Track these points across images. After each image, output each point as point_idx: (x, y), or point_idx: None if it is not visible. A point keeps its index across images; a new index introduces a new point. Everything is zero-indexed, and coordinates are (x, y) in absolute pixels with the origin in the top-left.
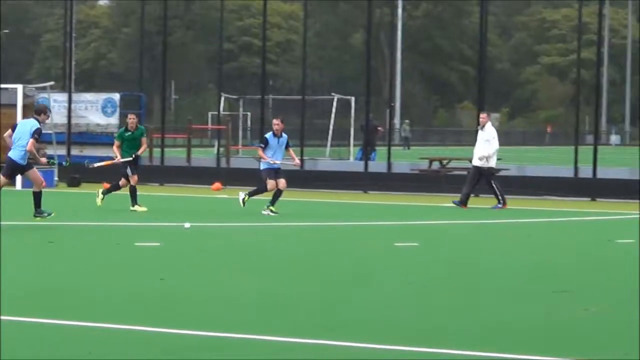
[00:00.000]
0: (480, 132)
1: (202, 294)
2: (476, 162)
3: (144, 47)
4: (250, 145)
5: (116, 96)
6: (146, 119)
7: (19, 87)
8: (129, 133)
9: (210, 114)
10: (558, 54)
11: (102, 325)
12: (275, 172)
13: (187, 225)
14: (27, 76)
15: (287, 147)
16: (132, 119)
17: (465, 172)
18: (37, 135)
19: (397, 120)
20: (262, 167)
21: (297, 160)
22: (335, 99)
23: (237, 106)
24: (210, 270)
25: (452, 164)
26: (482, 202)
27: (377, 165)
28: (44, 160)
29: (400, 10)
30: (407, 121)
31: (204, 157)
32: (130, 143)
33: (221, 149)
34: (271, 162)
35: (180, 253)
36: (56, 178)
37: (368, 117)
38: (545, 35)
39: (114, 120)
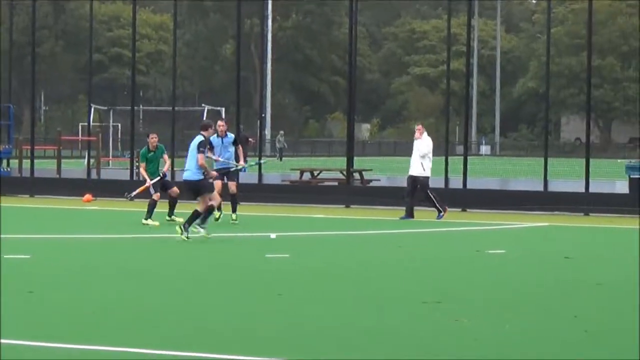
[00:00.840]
0: (415, 142)
1: (68, 305)
2: (413, 172)
3: (13, 58)
4: (120, 156)
5: None
6: (15, 130)
7: None
8: (152, 153)
9: (80, 125)
10: (428, 64)
11: None
12: (223, 177)
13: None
14: None
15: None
16: (153, 138)
17: (336, 183)
18: None
19: (267, 131)
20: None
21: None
22: (206, 110)
23: (107, 117)
24: (80, 283)
25: (323, 175)
26: (352, 213)
27: (248, 176)
28: None
29: (270, 21)
30: (282, 132)
31: (74, 168)
32: (153, 163)
33: (92, 160)
34: (215, 158)
35: (49, 266)
36: None
37: (239, 128)
38: (415, 46)
39: None
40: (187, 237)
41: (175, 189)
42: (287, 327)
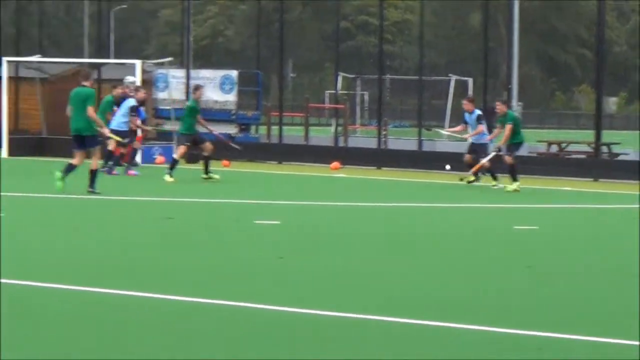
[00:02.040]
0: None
1: (317, 271)
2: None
3: (261, 25)
4: (367, 124)
5: (234, 73)
6: (264, 97)
7: (137, 63)
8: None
9: (327, 92)
10: None
11: (213, 302)
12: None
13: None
14: (144, 52)
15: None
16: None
17: (583, 156)
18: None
19: (514, 103)
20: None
21: None
22: (453, 80)
23: (354, 85)
24: (330, 249)
25: (570, 147)
26: (600, 187)
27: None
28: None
29: None
30: (520, 103)
31: (321, 135)
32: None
33: (339, 128)
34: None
35: (299, 231)
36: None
37: (486, 99)
38: None
39: (231, 97)
40: None
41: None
42: (540, 300)
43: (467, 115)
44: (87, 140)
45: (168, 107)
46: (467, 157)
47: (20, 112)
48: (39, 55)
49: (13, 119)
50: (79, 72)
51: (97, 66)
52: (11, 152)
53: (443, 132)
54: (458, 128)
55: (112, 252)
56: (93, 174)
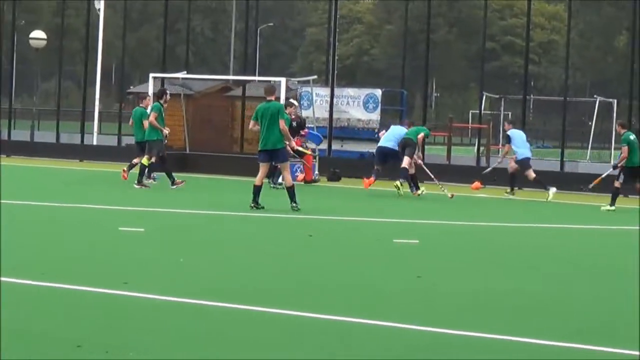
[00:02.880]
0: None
1: (457, 290)
2: None
3: (407, 44)
4: None
5: (378, 92)
6: (407, 115)
7: (282, 80)
8: None
9: (471, 112)
10: None
11: (353, 320)
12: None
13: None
14: (290, 69)
15: None
16: None
17: None
18: None
19: None
20: None
21: None
22: (598, 101)
23: (497, 105)
24: (467, 268)
25: None
26: None
27: None
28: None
29: None
30: None
31: (463, 155)
32: None
33: (481, 148)
34: None
35: (437, 250)
36: (317, 172)
37: (631, 121)
38: None
39: (375, 116)
40: None
41: None
42: None
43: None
44: (277, 154)
45: (312, 125)
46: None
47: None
48: (185, 72)
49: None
50: (265, 87)
51: (243, 83)
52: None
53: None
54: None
55: (254, 270)
56: (291, 190)
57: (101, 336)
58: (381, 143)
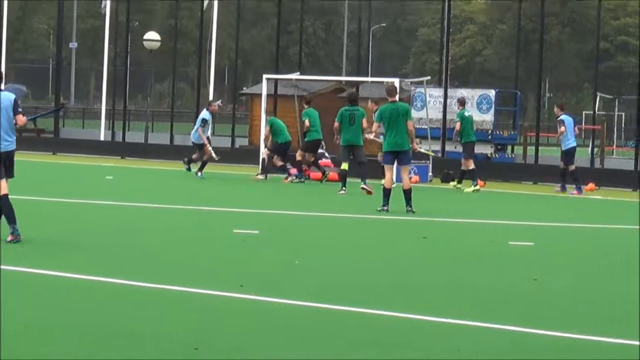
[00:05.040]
0: None
1: (573, 295)
2: None
3: (520, 45)
4: (624, 145)
5: (492, 93)
6: (521, 116)
7: (396, 81)
8: None
9: (584, 113)
10: None
11: (468, 323)
12: None
13: None
14: (402, 70)
15: None
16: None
17: None
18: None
19: None
20: None
21: None
22: None
23: (611, 106)
24: (582, 272)
25: None
26: None
27: None
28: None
29: None
30: None
31: (578, 157)
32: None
33: (595, 149)
34: None
35: (553, 253)
36: (430, 173)
37: None
38: None
39: (489, 117)
40: None
41: None
42: None
43: None
44: (403, 156)
45: (425, 126)
46: None
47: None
48: (298, 73)
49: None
50: (386, 88)
51: (356, 84)
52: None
53: None
54: None
55: (368, 272)
56: (408, 192)
57: (218, 339)
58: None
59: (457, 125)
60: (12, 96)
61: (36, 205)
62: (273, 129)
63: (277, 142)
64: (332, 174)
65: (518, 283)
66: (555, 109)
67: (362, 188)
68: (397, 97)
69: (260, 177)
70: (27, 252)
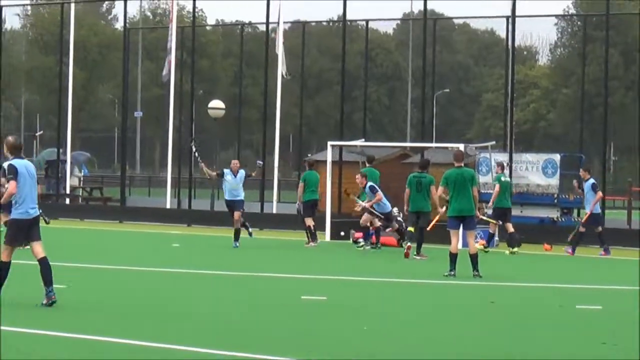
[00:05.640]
0: None
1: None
2: None
3: (584, 108)
4: None
5: (556, 157)
6: None
7: (460, 146)
8: None
9: None
10: None
11: None
12: None
13: None
14: (466, 135)
15: None
16: None
17: None
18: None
19: None
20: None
21: None
22: None
23: None
24: None
25: None
26: None
27: None
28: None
29: None
30: None
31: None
32: None
33: None
34: None
35: (620, 317)
36: (496, 238)
37: None
38: None
39: (554, 181)
40: None
41: None
42: None
43: None
44: (468, 221)
45: (490, 191)
46: None
47: (343, 196)
48: (363, 140)
49: (336, 203)
50: (454, 153)
51: (421, 150)
52: (333, 236)
53: None
54: None
55: (435, 339)
56: (475, 257)
57: None
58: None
59: (497, 188)
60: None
61: (105, 274)
62: (305, 184)
63: (303, 200)
64: (386, 238)
65: (586, 347)
66: (583, 173)
67: (414, 257)
68: (463, 163)
69: (312, 244)
70: (101, 319)
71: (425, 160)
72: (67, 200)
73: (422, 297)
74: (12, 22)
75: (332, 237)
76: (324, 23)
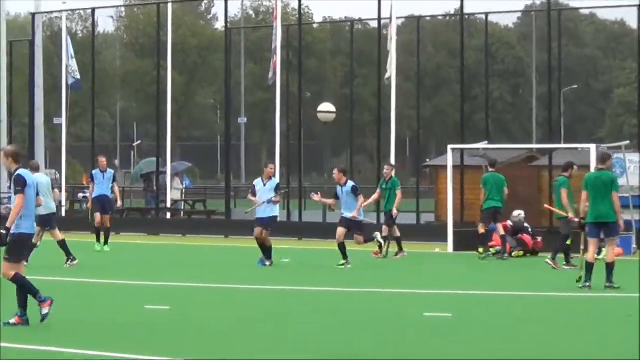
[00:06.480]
0: None
1: None
2: None
3: None
4: None
5: None
6: None
7: (592, 147)
8: None
9: None
10: None
11: None
12: None
13: None
14: (598, 134)
15: None
16: None
17: None
18: None
19: None
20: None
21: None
22: None
23: None
24: None
25: None
26: None
27: None
28: None
29: None
30: None
31: None
32: None
33: None
34: None
35: None
36: (634, 245)
37: None
38: None
39: None
40: None
41: None
42: None
43: None
44: (609, 228)
45: (626, 195)
46: None
47: (465, 203)
48: (486, 142)
49: (459, 211)
50: (601, 155)
51: (549, 152)
52: (456, 247)
53: None
54: None
55: (570, 354)
56: (611, 267)
57: None
58: None
59: None
60: None
61: (211, 293)
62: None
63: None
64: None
65: None
66: None
67: (546, 262)
68: (605, 166)
69: (379, 255)
70: (199, 339)
71: (569, 163)
72: (168, 215)
73: (557, 311)
74: (106, 25)
75: (455, 249)
76: (440, 17)
